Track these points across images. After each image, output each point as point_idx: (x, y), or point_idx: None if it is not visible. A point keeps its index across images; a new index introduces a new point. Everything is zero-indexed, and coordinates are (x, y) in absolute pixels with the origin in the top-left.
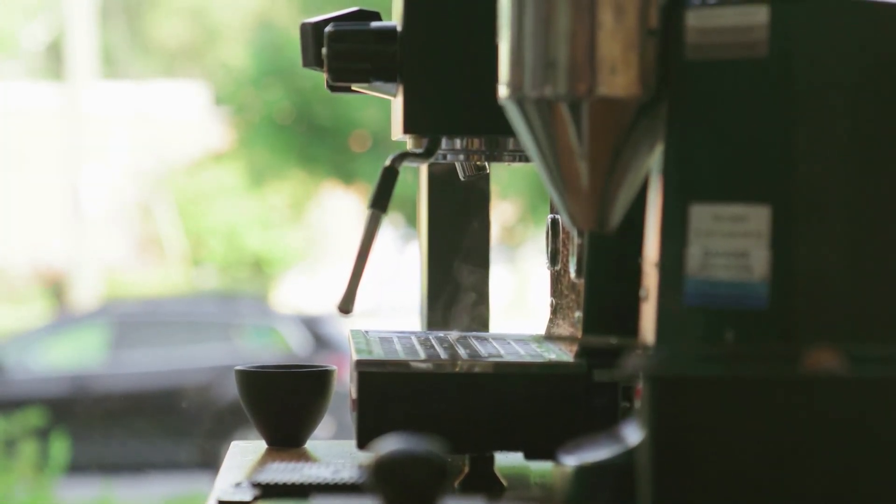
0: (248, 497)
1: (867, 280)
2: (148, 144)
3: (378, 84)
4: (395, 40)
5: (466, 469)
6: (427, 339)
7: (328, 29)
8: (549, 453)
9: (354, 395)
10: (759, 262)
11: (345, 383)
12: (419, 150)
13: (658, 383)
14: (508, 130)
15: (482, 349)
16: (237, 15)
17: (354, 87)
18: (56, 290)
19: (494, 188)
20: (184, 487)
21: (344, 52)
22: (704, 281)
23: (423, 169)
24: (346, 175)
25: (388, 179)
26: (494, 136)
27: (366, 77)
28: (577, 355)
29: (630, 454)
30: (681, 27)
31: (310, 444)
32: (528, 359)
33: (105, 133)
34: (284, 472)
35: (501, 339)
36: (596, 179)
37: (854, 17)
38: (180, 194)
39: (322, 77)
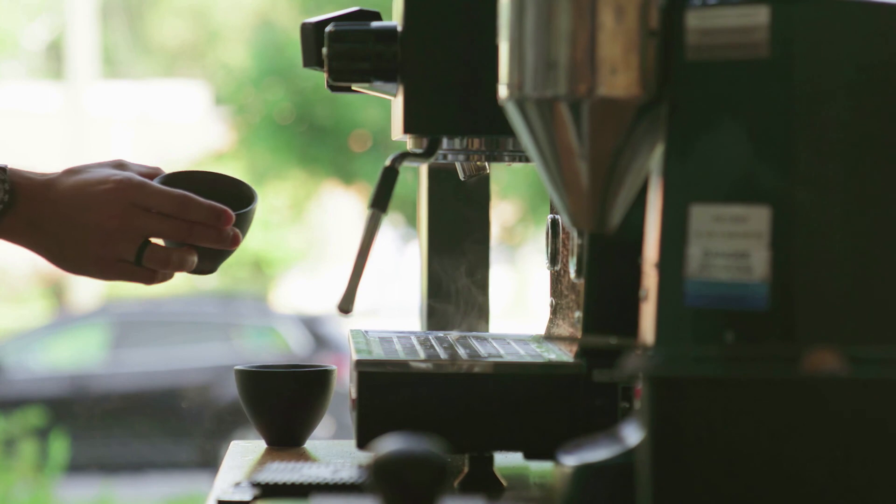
0: (247, 497)
1: (867, 281)
2: (149, 144)
3: (378, 84)
4: (395, 40)
5: (466, 469)
6: (427, 339)
7: (329, 29)
8: (548, 453)
9: (354, 395)
10: (759, 262)
11: (345, 383)
12: (419, 151)
13: (657, 384)
14: (508, 131)
15: (482, 349)
16: (238, 15)
17: (355, 86)
18: (56, 289)
19: (494, 188)
20: (183, 487)
21: (344, 51)
22: (704, 282)
23: (424, 169)
24: (346, 175)
25: (388, 179)
26: (494, 136)
27: (366, 77)
28: (577, 356)
29: (630, 455)
30: (681, 28)
31: (309, 444)
32: (527, 359)
33: (106, 133)
34: (284, 471)
35: (501, 339)
36: (596, 180)
37: (855, 18)
38: None
39: (322, 77)
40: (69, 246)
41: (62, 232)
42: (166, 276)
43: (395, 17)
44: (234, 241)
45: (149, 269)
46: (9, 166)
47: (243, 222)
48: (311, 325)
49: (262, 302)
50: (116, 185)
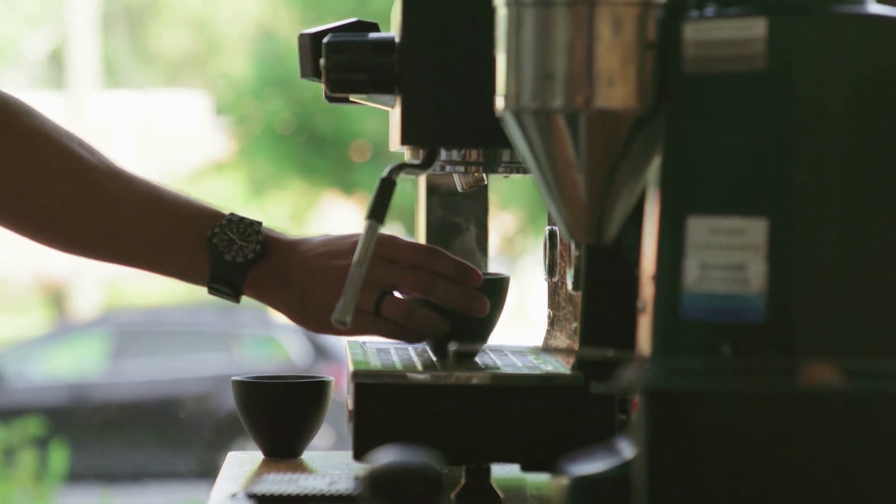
0: None
1: (866, 293)
2: (149, 154)
3: (376, 95)
4: (393, 51)
5: (463, 481)
6: (424, 351)
7: (326, 40)
8: (545, 465)
9: (351, 407)
10: (756, 275)
11: (344, 393)
12: (417, 162)
13: (654, 396)
14: (506, 142)
15: (479, 361)
16: (239, 25)
17: (353, 97)
18: (56, 299)
19: (494, 199)
20: (182, 497)
21: (342, 63)
22: (701, 294)
23: (422, 180)
24: (346, 185)
25: (385, 190)
26: (492, 147)
27: (364, 88)
28: (574, 367)
29: (626, 467)
30: (679, 40)
31: (306, 455)
32: (525, 371)
33: (107, 142)
34: (280, 483)
35: (499, 350)
36: (593, 192)
37: (853, 30)
38: None
39: (322, 88)
40: (314, 297)
41: (308, 283)
42: (410, 335)
43: (392, 29)
44: (481, 307)
45: (391, 322)
46: (263, 223)
47: (493, 292)
48: (312, 336)
49: (261, 312)
50: None
